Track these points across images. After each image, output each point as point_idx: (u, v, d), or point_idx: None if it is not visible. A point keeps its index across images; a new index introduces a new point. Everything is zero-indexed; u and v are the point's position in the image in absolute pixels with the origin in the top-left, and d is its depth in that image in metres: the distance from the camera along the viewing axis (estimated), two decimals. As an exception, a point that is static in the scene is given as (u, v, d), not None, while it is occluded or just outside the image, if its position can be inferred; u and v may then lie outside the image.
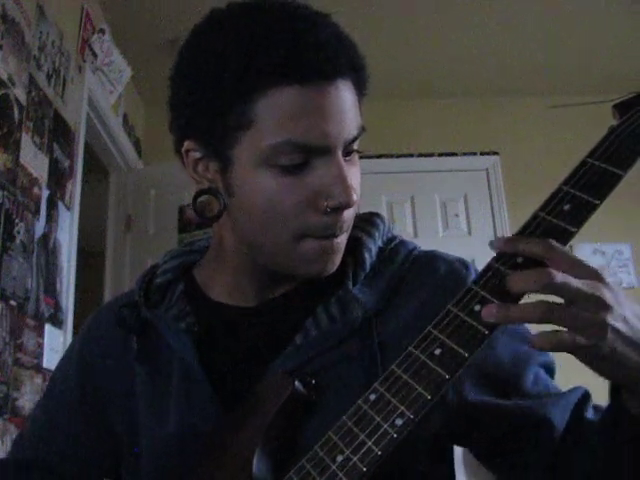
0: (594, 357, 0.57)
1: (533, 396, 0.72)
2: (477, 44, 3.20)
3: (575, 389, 0.73)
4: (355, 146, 0.71)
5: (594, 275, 0.57)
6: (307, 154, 0.66)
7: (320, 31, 0.66)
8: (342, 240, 0.72)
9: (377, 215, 0.82)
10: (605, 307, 0.55)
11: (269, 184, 0.67)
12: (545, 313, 0.55)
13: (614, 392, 0.62)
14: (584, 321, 0.55)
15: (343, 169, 0.67)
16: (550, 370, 0.76)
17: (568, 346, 0.55)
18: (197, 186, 0.73)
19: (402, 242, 0.80)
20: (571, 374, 0.74)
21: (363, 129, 0.70)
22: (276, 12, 0.67)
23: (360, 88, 0.71)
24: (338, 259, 0.73)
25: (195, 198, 0.72)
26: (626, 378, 0.59)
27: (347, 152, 0.69)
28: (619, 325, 0.56)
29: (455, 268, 0.77)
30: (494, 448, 0.73)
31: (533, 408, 0.71)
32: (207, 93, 0.67)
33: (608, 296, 0.56)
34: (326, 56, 0.65)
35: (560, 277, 0.55)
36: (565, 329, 0.55)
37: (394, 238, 0.81)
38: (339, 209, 0.68)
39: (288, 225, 0.68)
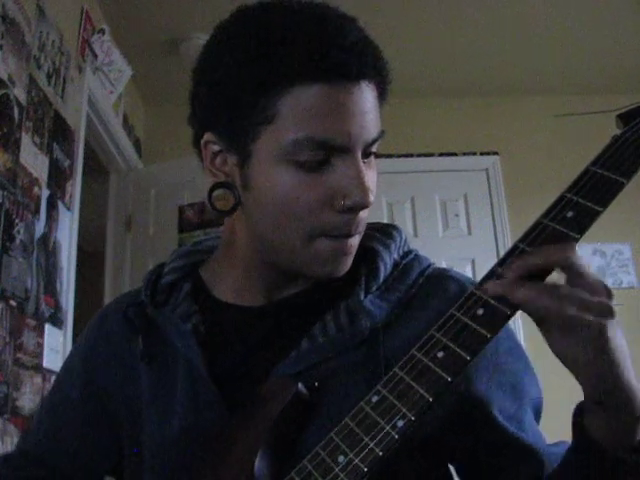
0: (580, 340, 0.57)
1: (529, 432, 0.72)
2: (477, 44, 3.20)
3: (561, 443, 0.73)
4: (374, 149, 0.71)
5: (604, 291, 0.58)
6: (327, 152, 0.67)
7: (348, 32, 0.67)
8: (355, 242, 0.72)
9: (394, 227, 0.82)
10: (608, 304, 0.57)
11: (287, 180, 0.67)
12: (549, 298, 0.57)
13: (577, 418, 0.63)
14: (586, 302, 0.56)
15: (362, 169, 0.68)
16: (538, 413, 0.76)
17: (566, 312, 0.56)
18: (212, 179, 0.73)
19: (417, 257, 0.80)
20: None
21: (383, 133, 0.71)
22: (305, 11, 0.68)
23: (382, 92, 0.72)
24: (349, 261, 0.73)
25: (211, 191, 0.72)
26: (594, 381, 0.59)
27: (366, 154, 0.70)
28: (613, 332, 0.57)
29: (465, 287, 0.76)
30: (482, 470, 0.73)
31: (531, 444, 0.71)
32: (232, 86, 0.68)
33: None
34: (353, 57, 0.66)
35: (577, 258, 0.58)
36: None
37: (410, 252, 0.81)
38: (355, 209, 0.68)
39: (303, 222, 0.68)
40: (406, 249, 0.81)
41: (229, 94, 0.68)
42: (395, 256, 0.79)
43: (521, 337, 2.67)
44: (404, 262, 0.78)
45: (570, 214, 0.61)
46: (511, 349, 0.75)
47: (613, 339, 0.57)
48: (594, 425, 0.60)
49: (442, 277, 0.78)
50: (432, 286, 0.76)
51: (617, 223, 3.08)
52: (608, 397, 0.58)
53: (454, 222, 3.51)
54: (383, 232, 0.80)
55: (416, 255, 0.81)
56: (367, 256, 0.77)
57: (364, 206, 0.68)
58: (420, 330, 0.71)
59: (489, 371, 0.72)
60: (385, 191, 3.49)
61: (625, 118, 0.66)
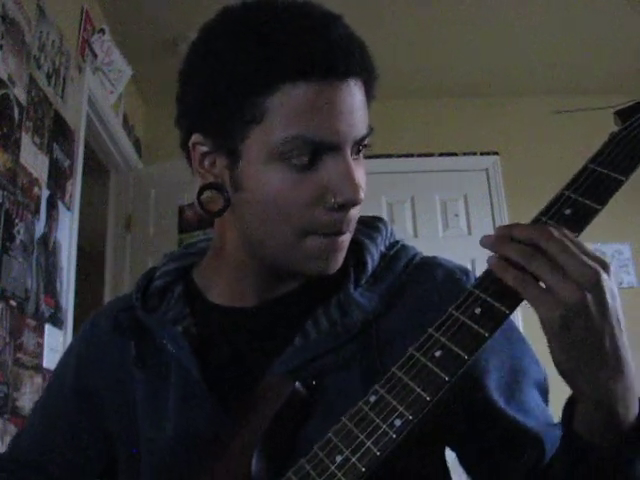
0: (565, 325, 0.56)
1: (533, 416, 0.72)
2: (477, 44, 3.20)
3: None
4: (365, 143, 0.71)
5: (597, 259, 0.57)
6: (316, 150, 0.67)
7: (334, 30, 0.67)
8: (346, 239, 0.72)
9: (380, 219, 0.82)
10: (597, 274, 0.56)
11: (277, 179, 0.67)
12: (531, 255, 0.57)
13: (567, 414, 0.63)
14: (572, 273, 0.56)
15: (351, 166, 0.68)
16: (544, 391, 0.76)
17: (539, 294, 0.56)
18: (201, 181, 0.73)
19: (404, 247, 0.81)
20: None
21: (372, 130, 0.71)
22: (289, 10, 0.68)
23: (369, 89, 0.72)
24: (341, 258, 0.73)
25: (200, 193, 0.72)
26: (585, 379, 0.58)
27: (355, 151, 0.70)
28: (606, 301, 0.56)
29: (454, 275, 0.77)
30: (482, 454, 0.74)
31: (533, 431, 0.71)
32: (219, 86, 0.68)
33: (604, 277, 0.56)
34: (339, 55, 0.66)
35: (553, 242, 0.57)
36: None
37: (396, 243, 0.81)
38: (346, 206, 0.68)
39: (294, 221, 0.68)
40: (392, 240, 0.82)
41: (217, 95, 0.68)
42: (382, 248, 0.79)
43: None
44: (391, 253, 0.79)
45: (568, 212, 0.61)
46: (508, 333, 0.75)
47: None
48: (580, 420, 0.61)
49: (430, 264, 0.78)
50: (420, 274, 0.77)
51: (617, 223, 3.08)
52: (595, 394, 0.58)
53: (454, 222, 3.51)
54: (369, 225, 0.81)
55: (403, 245, 0.81)
56: (354, 249, 0.77)
57: (355, 203, 0.68)
58: (412, 319, 0.72)
59: (487, 356, 0.72)
60: (385, 191, 3.50)
61: (623, 115, 0.66)
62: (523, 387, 0.74)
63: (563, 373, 0.59)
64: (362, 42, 0.70)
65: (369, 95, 0.72)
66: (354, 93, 0.68)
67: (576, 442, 0.61)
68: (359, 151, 0.71)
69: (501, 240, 0.60)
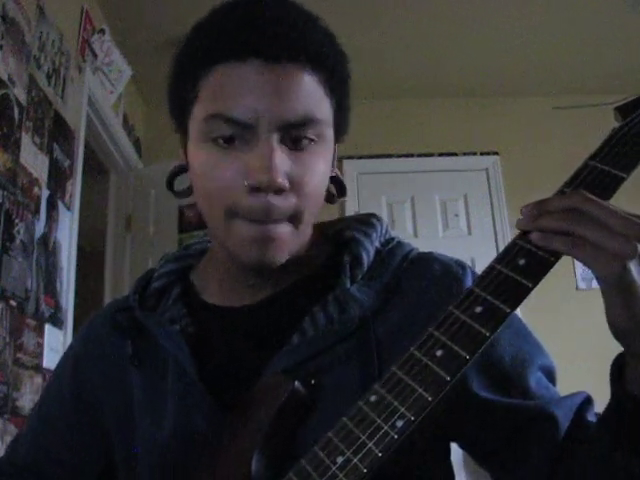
0: (614, 276, 0.56)
1: (537, 396, 0.72)
2: (477, 44, 3.20)
3: (578, 393, 0.73)
4: (310, 134, 0.68)
5: (635, 215, 0.57)
6: (236, 129, 0.67)
7: (275, 12, 0.68)
8: (279, 230, 0.68)
9: (374, 216, 0.82)
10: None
11: (204, 158, 0.69)
12: (573, 218, 0.57)
13: (616, 374, 0.62)
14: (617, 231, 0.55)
15: (270, 148, 0.65)
16: (551, 375, 0.76)
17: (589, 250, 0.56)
18: (179, 162, 0.78)
19: (399, 243, 0.80)
20: (573, 383, 0.74)
21: (311, 119, 0.68)
22: None
23: (323, 77, 0.69)
24: (280, 250, 0.69)
25: (173, 174, 0.78)
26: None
27: (295, 139, 0.68)
28: None
29: (451, 268, 0.76)
30: (493, 446, 0.73)
31: (537, 406, 0.70)
32: (175, 68, 0.74)
33: None
34: (270, 38, 0.66)
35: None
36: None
37: (391, 239, 0.81)
38: (260, 189, 0.66)
39: (218, 201, 0.69)
40: (387, 237, 0.81)
41: (173, 76, 0.74)
42: (377, 244, 0.78)
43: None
44: (386, 249, 0.78)
45: None
46: (512, 325, 0.74)
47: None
48: (632, 379, 0.61)
49: (426, 259, 0.78)
50: (417, 269, 0.76)
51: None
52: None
53: (454, 222, 3.51)
54: (363, 222, 0.80)
55: (398, 242, 0.80)
56: (349, 246, 0.76)
57: (269, 187, 0.65)
58: (409, 314, 0.72)
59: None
60: (385, 191, 3.50)
61: (623, 111, 0.66)
62: (525, 374, 0.73)
63: (620, 333, 0.59)
64: (315, 28, 0.70)
65: (329, 86, 0.70)
66: (288, 78, 0.66)
67: (629, 401, 0.60)
68: (297, 140, 0.68)
69: (537, 216, 0.60)
